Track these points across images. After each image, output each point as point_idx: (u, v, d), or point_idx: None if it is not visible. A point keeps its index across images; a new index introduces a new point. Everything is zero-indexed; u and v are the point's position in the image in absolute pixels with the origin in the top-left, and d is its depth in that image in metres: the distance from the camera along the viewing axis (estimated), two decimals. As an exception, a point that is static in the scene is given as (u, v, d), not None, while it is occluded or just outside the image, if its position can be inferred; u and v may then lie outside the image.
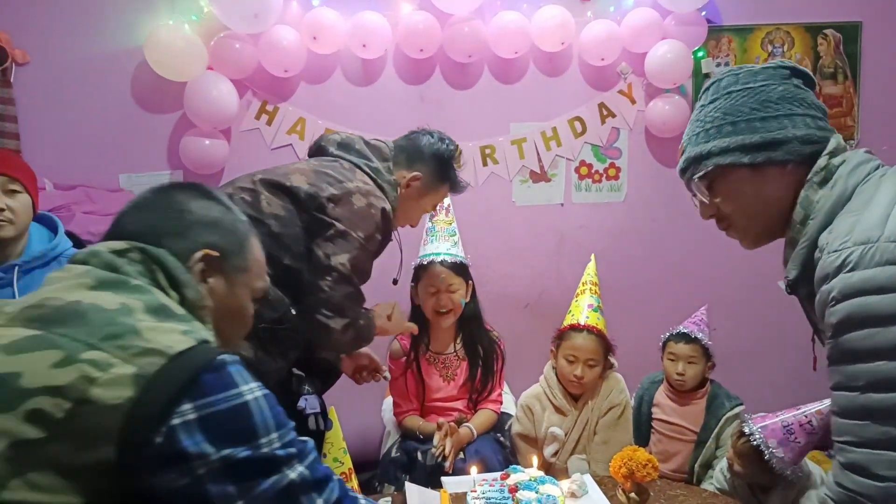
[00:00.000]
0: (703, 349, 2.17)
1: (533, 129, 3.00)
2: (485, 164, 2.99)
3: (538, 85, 2.98)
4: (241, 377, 0.83)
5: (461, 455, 2.15)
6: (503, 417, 2.38)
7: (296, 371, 1.85)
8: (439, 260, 2.25)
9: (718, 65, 3.04)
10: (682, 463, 2.18)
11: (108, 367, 0.74)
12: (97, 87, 2.74)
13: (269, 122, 2.86)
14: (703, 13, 2.93)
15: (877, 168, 1.13)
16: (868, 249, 1.00)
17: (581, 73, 2.99)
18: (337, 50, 2.79)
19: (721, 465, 1.97)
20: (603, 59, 2.88)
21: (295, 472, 0.84)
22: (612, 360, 2.20)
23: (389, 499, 1.76)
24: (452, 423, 2.17)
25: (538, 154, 3.01)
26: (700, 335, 2.16)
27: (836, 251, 1.03)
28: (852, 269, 1.00)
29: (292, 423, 0.88)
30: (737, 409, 2.12)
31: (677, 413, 2.21)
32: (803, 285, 1.14)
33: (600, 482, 1.81)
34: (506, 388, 2.51)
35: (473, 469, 1.71)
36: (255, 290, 1.07)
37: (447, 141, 1.98)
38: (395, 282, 2.08)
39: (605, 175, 3.08)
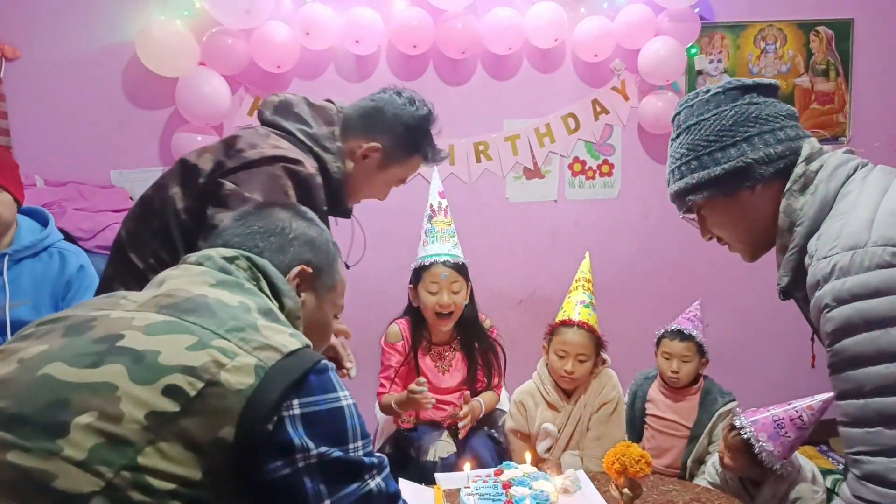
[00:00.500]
0: (697, 346, 2.18)
1: (526, 126, 3.00)
2: (478, 160, 2.99)
3: (532, 81, 2.98)
4: (338, 383, 0.89)
5: (454, 450, 2.15)
6: (497, 413, 2.39)
7: None
8: (442, 261, 2.25)
9: (711, 62, 3.04)
10: (676, 458, 2.19)
11: (234, 355, 0.81)
12: (88, 82, 2.73)
13: (261, 119, 2.85)
14: (697, 10, 2.93)
15: (857, 168, 1.13)
16: (856, 255, 1.00)
17: (574, 70, 2.99)
18: (330, 46, 2.78)
19: (713, 459, 1.98)
20: (596, 56, 2.88)
21: (374, 482, 0.89)
22: (605, 356, 2.20)
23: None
24: (466, 392, 2.23)
25: (532, 151, 3.01)
26: (694, 332, 2.17)
27: (825, 258, 1.03)
28: (843, 276, 1.00)
29: (371, 436, 0.92)
30: (729, 406, 2.13)
31: (671, 409, 2.22)
32: (796, 290, 1.15)
33: (593, 478, 1.81)
34: (500, 384, 2.51)
35: (467, 465, 1.71)
36: (338, 307, 1.16)
37: (418, 104, 1.67)
38: (346, 266, 1.96)
39: (598, 171, 3.08)
